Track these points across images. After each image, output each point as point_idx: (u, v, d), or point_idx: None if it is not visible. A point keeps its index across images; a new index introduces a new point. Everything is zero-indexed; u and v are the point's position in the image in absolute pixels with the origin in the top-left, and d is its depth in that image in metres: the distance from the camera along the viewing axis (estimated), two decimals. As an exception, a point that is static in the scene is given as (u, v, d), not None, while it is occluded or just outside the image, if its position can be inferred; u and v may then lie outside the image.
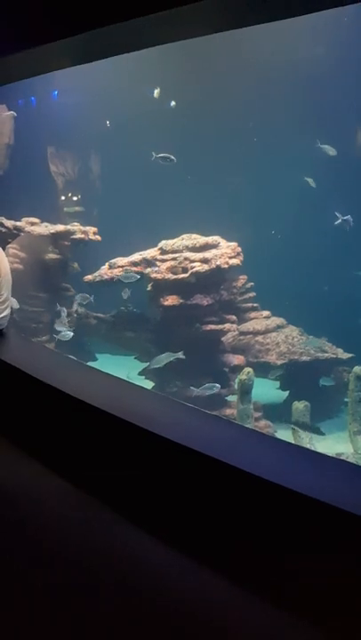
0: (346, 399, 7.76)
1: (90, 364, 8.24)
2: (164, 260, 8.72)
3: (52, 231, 9.85)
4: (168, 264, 8.60)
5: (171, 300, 8.34)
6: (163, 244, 8.93)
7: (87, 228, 10.17)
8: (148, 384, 8.52)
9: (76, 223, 10.42)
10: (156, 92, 9.69)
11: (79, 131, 12.22)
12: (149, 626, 1.62)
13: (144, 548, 2.00)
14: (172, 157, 9.21)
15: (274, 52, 9.93)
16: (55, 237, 9.89)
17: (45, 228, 9.90)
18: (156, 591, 1.76)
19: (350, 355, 8.56)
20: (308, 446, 6.39)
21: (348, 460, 6.28)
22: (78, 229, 10.11)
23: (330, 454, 6.00)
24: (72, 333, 8.81)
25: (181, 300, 8.31)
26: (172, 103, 9.77)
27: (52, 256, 9.94)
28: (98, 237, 10.22)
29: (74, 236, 9.99)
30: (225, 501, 2.00)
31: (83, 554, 1.95)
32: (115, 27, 2.52)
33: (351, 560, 1.66)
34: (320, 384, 7.64)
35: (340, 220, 8.72)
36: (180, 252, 8.69)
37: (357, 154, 10.83)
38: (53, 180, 12.60)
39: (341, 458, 6.04)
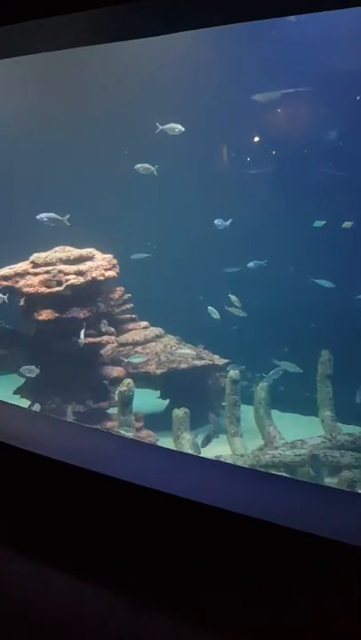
0: (223, 403, 8.07)
1: None
2: (36, 274, 8.42)
3: None
4: (41, 277, 8.32)
5: (45, 315, 8.07)
6: (35, 257, 8.61)
7: None
8: (25, 402, 8.15)
9: None
10: None
11: None
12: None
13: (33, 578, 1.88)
14: None
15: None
16: None
17: None
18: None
19: (226, 360, 8.93)
20: (189, 452, 6.53)
21: (227, 461, 6.54)
22: None
23: (210, 457, 6.21)
24: None
25: (57, 314, 8.07)
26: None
27: None
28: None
29: None
30: (108, 515, 1.96)
31: None
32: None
33: (237, 556, 1.70)
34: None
35: (222, 224, 8.86)
36: (54, 264, 8.46)
37: (226, 165, 11.36)
38: None
39: (220, 459, 6.27)
